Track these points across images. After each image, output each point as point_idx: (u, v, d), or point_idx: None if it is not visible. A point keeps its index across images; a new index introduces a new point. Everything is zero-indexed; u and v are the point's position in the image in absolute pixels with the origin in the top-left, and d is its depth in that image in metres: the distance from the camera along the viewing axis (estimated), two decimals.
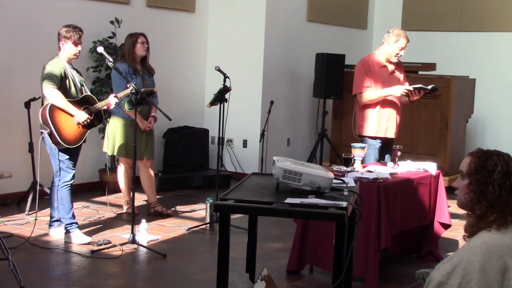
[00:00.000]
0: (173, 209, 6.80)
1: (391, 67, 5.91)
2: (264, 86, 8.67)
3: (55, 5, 7.07)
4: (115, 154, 6.43)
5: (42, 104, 5.37)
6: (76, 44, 5.39)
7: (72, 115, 5.33)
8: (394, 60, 5.86)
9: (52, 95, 5.24)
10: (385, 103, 5.86)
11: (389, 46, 5.81)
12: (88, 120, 5.38)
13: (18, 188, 6.69)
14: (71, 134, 5.35)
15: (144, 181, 6.50)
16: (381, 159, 5.81)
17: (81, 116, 5.34)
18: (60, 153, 5.37)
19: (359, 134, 5.95)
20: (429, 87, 5.79)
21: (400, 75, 6.00)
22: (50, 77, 5.25)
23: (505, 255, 2.42)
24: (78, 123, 5.35)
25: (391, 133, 5.93)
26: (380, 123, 5.87)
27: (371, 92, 5.80)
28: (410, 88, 5.78)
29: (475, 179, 2.54)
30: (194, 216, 6.66)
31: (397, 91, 5.81)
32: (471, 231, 2.54)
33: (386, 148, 5.92)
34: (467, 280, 2.41)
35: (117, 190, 7.20)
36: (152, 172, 6.53)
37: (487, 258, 2.41)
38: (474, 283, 2.39)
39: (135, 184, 5.66)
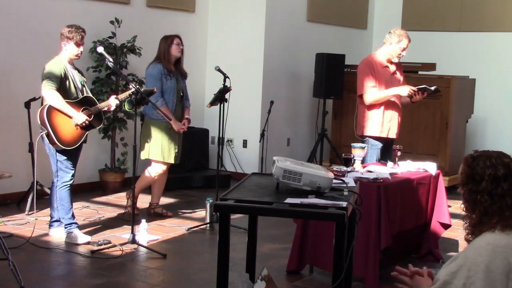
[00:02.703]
0: (173, 210, 6.80)
1: (392, 68, 5.91)
2: (264, 86, 8.67)
3: (55, 5, 7.07)
4: (150, 157, 6.31)
5: (42, 104, 5.37)
6: (78, 44, 5.39)
7: (70, 117, 5.33)
8: (396, 60, 5.86)
9: (50, 96, 5.23)
10: (387, 103, 5.85)
11: (391, 46, 5.80)
12: (87, 122, 5.37)
13: (18, 188, 6.69)
14: (68, 135, 5.33)
15: (157, 182, 6.49)
16: (381, 159, 5.81)
17: (80, 117, 5.33)
18: (58, 153, 5.36)
19: (362, 135, 5.93)
20: (432, 88, 5.79)
21: (400, 77, 6.00)
22: (50, 77, 5.25)
23: (510, 255, 2.42)
24: (76, 125, 5.35)
25: (393, 134, 5.93)
26: (383, 123, 5.86)
27: (377, 92, 5.79)
28: (415, 88, 5.78)
29: (467, 189, 2.55)
30: (194, 216, 6.66)
31: (403, 90, 5.80)
32: (472, 234, 2.54)
33: (387, 149, 5.91)
34: (471, 281, 2.41)
35: (117, 190, 7.21)
36: (166, 175, 6.52)
37: (492, 259, 2.41)
38: (478, 284, 2.39)
39: (135, 184, 5.65)
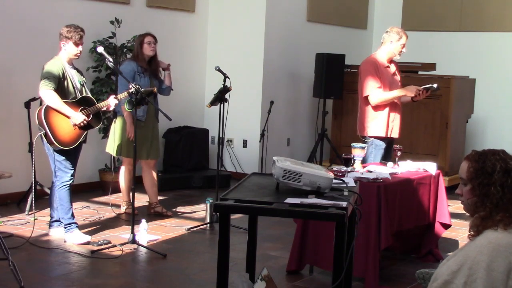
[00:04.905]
0: (173, 210, 6.81)
1: (393, 68, 5.91)
2: (264, 86, 8.67)
3: (55, 5, 7.08)
4: (118, 154, 6.39)
5: (41, 104, 5.37)
6: (77, 44, 5.38)
7: (68, 117, 5.32)
8: (398, 58, 5.87)
9: (48, 96, 5.23)
10: (390, 103, 5.83)
11: (392, 44, 5.80)
12: (85, 122, 5.37)
13: (18, 188, 6.69)
14: (66, 135, 5.33)
15: (147, 181, 6.50)
16: (381, 160, 5.80)
17: (78, 117, 5.33)
18: (56, 153, 5.36)
19: (366, 135, 5.88)
20: (435, 85, 5.79)
21: (398, 77, 6.00)
22: (47, 77, 5.24)
23: (511, 255, 2.42)
24: (75, 125, 5.34)
25: (395, 133, 5.92)
26: (388, 123, 5.85)
27: (382, 92, 5.76)
28: (421, 88, 5.78)
29: (477, 183, 2.54)
30: (194, 216, 6.66)
31: (410, 91, 5.79)
32: (476, 230, 2.54)
33: (387, 149, 5.90)
34: (472, 279, 2.41)
35: (117, 190, 7.20)
36: (155, 172, 6.53)
37: (493, 258, 2.41)
38: (479, 282, 2.39)
39: (135, 184, 5.65)
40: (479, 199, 2.54)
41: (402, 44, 5.79)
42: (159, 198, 6.75)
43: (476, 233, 2.53)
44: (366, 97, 5.77)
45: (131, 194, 6.16)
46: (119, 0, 7.71)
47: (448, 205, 5.45)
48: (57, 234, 5.59)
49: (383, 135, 5.83)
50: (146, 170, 6.48)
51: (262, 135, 8.19)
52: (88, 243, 5.43)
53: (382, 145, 5.84)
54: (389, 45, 5.81)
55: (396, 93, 5.79)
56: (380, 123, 5.82)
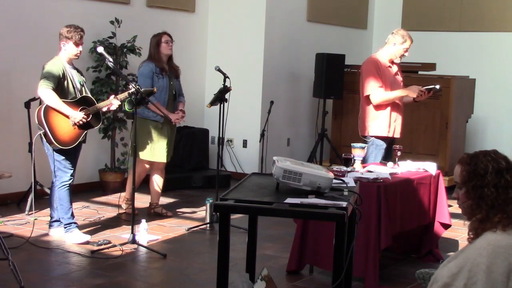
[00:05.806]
0: (173, 210, 6.80)
1: (394, 69, 5.91)
2: (264, 86, 8.67)
3: (55, 5, 7.07)
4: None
5: (40, 104, 5.37)
6: (77, 44, 5.38)
7: (67, 116, 5.32)
8: (398, 60, 5.87)
9: (46, 95, 5.22)
10: (392, 103, 5.83)
11: (395, 47, 5.80)
12: (84, 120, 5.36)
13: (18, 188, 6.69)
14: (65, 135, 5.32)
15: (153, 181, 6.49)
16: (382, 160, 5.80)
17: (76, 115, 5.31)
18: (56, 153, 5.35)
19: (367, 135, 5.88)
20: (437, 86, 5.80)
21: (400, 78, 6.00)
22: (47, 77, 5.24)
23: (511, 256, 2.42)
24: (74, 124, 5.34)
25: (397, 133, 5.92)
26: (390, 123, 5.85)
27: (384, 92, 5.76)
28: (423, 89, 5.78)
29: (470, 186, 2.54)
30: (194, 216, 6.67)
31: (412, 91, 5.78)
32: (475, 233, 2.54)
33: (388, 149, 5.89)
34: (472, 282, 2.41)
35: (117, 190, 7.21)
36: (163, 174, 6.52)
37: (493, 260, 2.41)
38: (480, 285, 2.39)
39: (135, 184, 5.65)
40: (474, 201, 2.54)
41: (405, 48, 5.80)
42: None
43: (475, 235, 2.53)
44: (368, 96, 5.78)
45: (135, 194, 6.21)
46: (119, 0, 7.71)
47: (449, 205, 5.46)
48: (57, 234, 5.59)
49: (384, 134, 5.83)
50: (155, 171, 6.48)
51: (262, 135, 8.19)
52: (88, 243, 5.43)
53: (383, 145, 5.84)
54: (392, 46, 5.82)
55: (398, 93, 5.80)
56: (381, 123, 5.82)
